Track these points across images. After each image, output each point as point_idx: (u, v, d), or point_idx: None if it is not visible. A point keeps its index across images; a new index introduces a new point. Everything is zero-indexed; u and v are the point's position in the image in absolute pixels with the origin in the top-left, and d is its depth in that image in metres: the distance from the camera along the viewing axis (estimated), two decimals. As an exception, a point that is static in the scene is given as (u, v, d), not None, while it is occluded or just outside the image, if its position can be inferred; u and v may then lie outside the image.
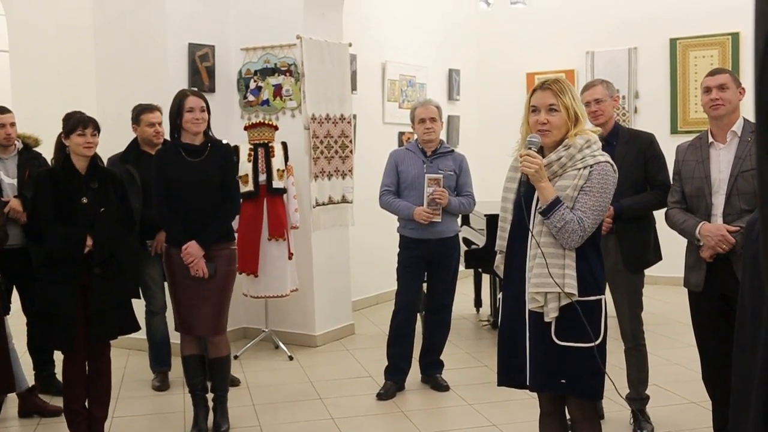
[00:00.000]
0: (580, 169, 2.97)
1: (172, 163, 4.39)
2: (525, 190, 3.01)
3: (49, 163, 5.11)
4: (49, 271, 4.03)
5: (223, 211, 4.43)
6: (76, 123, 4.07)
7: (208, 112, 4.43)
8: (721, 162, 3.73)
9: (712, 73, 3.83)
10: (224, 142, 4.61)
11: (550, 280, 2.93)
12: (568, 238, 2.93)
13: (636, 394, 4.44)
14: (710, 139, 3.79)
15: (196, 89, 4.89)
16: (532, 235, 3.00)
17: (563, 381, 2.99)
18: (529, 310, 3.02)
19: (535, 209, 3.01)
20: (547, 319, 2.97)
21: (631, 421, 4.49)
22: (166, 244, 4.55)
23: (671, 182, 4.15)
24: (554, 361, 2.98)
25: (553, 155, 3.00)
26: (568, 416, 3.24)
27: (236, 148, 6.07)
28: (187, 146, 4.41)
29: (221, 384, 4.60)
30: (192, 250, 4.32)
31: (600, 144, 3.06)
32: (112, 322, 4.18)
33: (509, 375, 3.15)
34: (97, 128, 4.12)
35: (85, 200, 4.08)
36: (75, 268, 4.03)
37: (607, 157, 3.03)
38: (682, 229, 3.85)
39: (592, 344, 2.97)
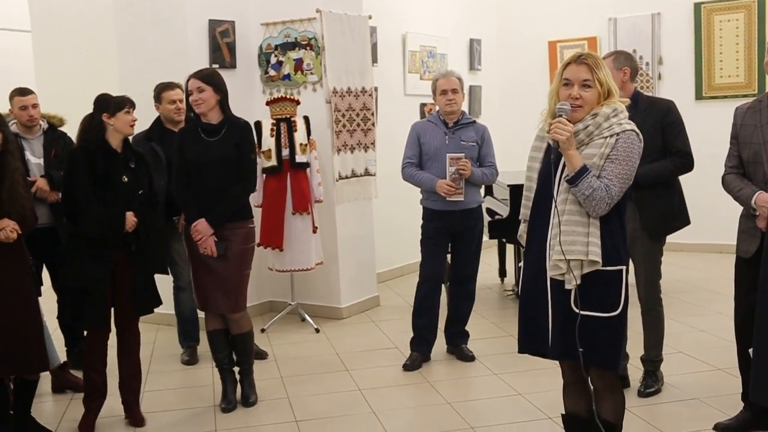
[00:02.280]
0: (606, 137, 2.96)
1: (191, 142, 4.44)
2: (554, 158, 3.00)
3: (75, 142, 5.17)
4: (83, 248, 4.10)
5: (237, 190, 4.44)
6: (123, 102, 4.21)
7: (219, 90, 4.41)
8: None
9: None
10: (243, 120, 4.60)
11: (573, 247, 2.92)
12: (595, 205, 2.92)
13: (648, 356, 4.53)
14: None
15: (204, 69, 4.83)
16: (556, 203, 2.99)
17: (581, 350, 3.00)
18: (550, 278, 3.03)
19: (560, 177, 3.00)
20: (567, 287, 2.97)
21: (641, 379, 4.54)
22: (185, 221, 4.60)
23: (688, 147, 4.13)
24: (572, 330, 2.98)
25: (580, 124, 2.99)
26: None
27: (259, 124, 6.09)
28: (206, 125, 4.44)
29: (246, 358, 4.67)
30: (201, 227, 4.36)
31: (626, 113, 3.04)
32: (150, 296, 4.33)
33: (530, 342, 3.16)
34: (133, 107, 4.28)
35: (125, 179, 4.17)
36: (108, 247, 4.12)
37: (632, 125, 3.02)
38: (737, 196, 3.78)
39: (611, 314, 2.98)
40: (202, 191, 4.42)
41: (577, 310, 2.97)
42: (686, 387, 4.57)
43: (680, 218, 4.43)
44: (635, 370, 4.62)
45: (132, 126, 4.25)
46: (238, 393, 4.67)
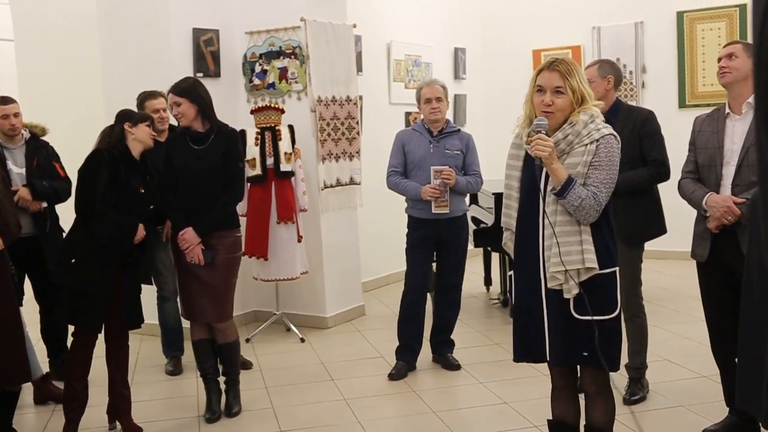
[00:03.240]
0: (587, 144, 2.98)
1: (178, 150, 4.45)
2: (539, 172, 3.01)
3: (57, 152, 5.15)
4: (90, 249, 4.07)
5: (224, 199, 4.44)
6: (145, 116, 4.36)
7: (195, 101, 4.40)
8: (735, 133, 3.74)
9: (726, 45, 3.89)
10: (230, 128, 4.60)
11: (570, 257, 2.94)
12: (585, 214, 2.94)
13: (632, 363, 4.55)
14: (727, 111, 3.81)
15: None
16: (546, 216, 3.00)
17: (585, 354, 3.02)
18: (546, 288, 3.04)
19: (545, 189, 3.01)
20: (567, 296, 2.99)
21: (627, 386, 4.55)
22: (171, 230, 4.58)
23: (664, 157, 4.25)
24: (575, 336, 3.01)
25: (559, 134, 3.00)
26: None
27: (243, 132, 6.08)
28: (193, 133, 4.45)
29: (232, 368, 4.66)
30: (188, 236, 4.35)
31: (602, 116, 3.07)
32: (140, 309, 4.35)
33: (526, 351, 3.18)
34: None
35: (142, 190, 4.22)
36: (114, 253, 4.12)
37: (610, 129, 3.04)
38: (690, 199, 3.88)
39: (611, 316, 3.02)
40: (190, 199, 4.41)
41: (578, 317, 2.99)
42: (671, 394, 4.58)
43: (656, 226, 4.50)
44: (620, 378, 4.62)
45: (152, 138, 4.29)
46: (222, 403, 4.64)
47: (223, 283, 4.48)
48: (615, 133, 3.05)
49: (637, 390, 4.51)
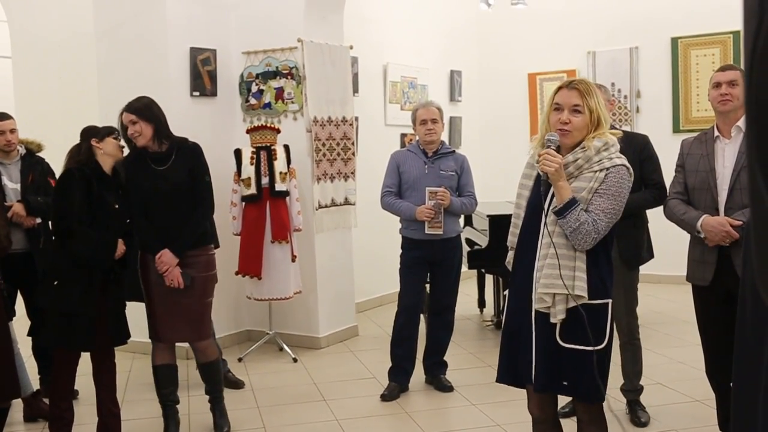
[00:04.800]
0: (596, 171, 2.94)
1: (140, 172, 4.31)
2: (544, 189, 2.96)
3: (52, 168, 5.15)
4: (71, 271, 4.04)
5: (196, 215, 4.33)
6: (111, 129, 4.29)
7: (150, 120, 4.25)
8: (726, 157, 3.76)
9: (723, 68, 3.86)
10: (191, 142, 4.45)
11: (559, 281, 2.89)
12: (581, 239, 2.89)
13: (631, 386, 4.59)
14: (716, 134, 3.82)
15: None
16: (545, 235, 2.96)
17: (565, 383, 2.98)
18: (535, 310, 3.00)
19: (548, 208, 2.97)
20: (553, 320, 2.94)
21: (627, 411, 4.60)
22: (141, 251, 4.41)
23: (663, 181, 4.32)
24: (557, 363, 2.97)
25: (570, 156, 2.96)
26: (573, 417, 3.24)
27: (239, 151, 6.10)
28: (153, 154, 4.31)
29: (215, 386, 4.59)
30: (165, 258, 4.25)
31: (618, 146, 3.01)
32: (125, 326, 4.29)
33: (509, 372, 3.14)
34: None
35: (117, 206, 4.18)
36: (96, 272, 4.08)
37: (623, 160, 2.99)
38: (681, 220, 3.88)
39: (597, 348, 2.93)
40: (162, 221, 4.29)
41: (562, 344, 2.95)
42: (664, 418, 4.57)
43: (650, 250, 4.61)
44: (614, 402, 4.62)
45: (122, 150, 4.25)
46: (202, 425, 4.60)
47: (199, 303, 4.39)
48: (628, 165, 3.00)
49: (641, 412, 4.54)
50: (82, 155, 4.17)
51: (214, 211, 4.56)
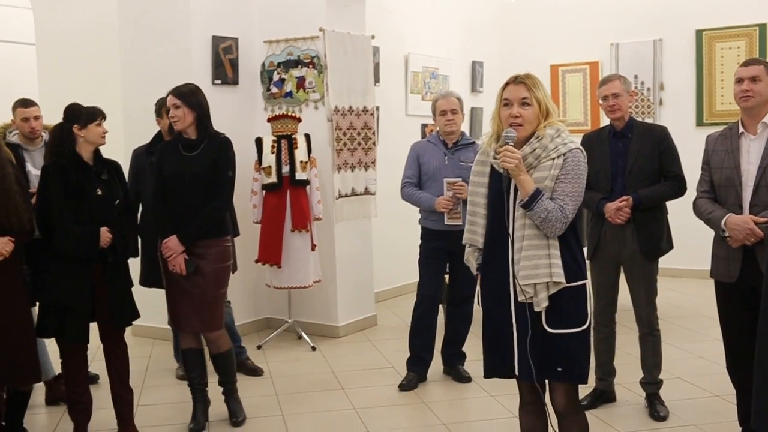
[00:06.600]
0: (554, 158, 3.01)
1: (169, 156, 4.38)
2: (506, 185, 3.04)
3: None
4: (63, 264, 4.01)
5: (209, 207, 4.32)
6: (95, 113, 4.16)
7: (194, 108, 4.31)
8: (751, 153, 3.71)
9: (746, 63, 3.81)
10: (223, 136, 4.47)
11: (538, 270, 2.97)
12: (552, 227, 2.97)
13: (651, 378, 4.57)
14: (741, 130, 3.77)
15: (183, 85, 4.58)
16: (515, 229, 3.04)
17: (559, 369, 3.04)
18: (514, 303, 3.06)
19: (515, 203, 3.04)
20: (537, 309, 3.01)
21: (646, 405, 4.58)
22: (160, 237, 4.43)
23: (682, 172, 4.32)
24: (547, 350, 3.03)
25: (527, 148, 3.03)
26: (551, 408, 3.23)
27: (260, 140, 6.12)
28: (185, 140, 4.38)
29: (228, 377, 4.60)
30: (171, 244, 4.26)
31: (567, 131, 3.10)
32: (128, 308, 4.26)
33: (498, 367, 3.19)
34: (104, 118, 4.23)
35: (99, 192, 4.10)
36: (88, 262, 4.05)
37: (576, 143, 3.08)
38: (708, 219, 3.84)
39: (581, 328, 3.04)
40: (178, 206, 4.32)
41: (550, 330, 3.02)
42: (683, 413, 4.54)
43: (669, 241, 4.57)
44: (624, 391, 4.60)
45: (103, 137, 4.17)
46: (216, 413, 4.62)
47: (210, 294, 4.37)
48: (581, 147, 3.09)
49: (660, 407, 4.50)
50: (62, 144, 4.09)
51: (230, 205, 4.59)
